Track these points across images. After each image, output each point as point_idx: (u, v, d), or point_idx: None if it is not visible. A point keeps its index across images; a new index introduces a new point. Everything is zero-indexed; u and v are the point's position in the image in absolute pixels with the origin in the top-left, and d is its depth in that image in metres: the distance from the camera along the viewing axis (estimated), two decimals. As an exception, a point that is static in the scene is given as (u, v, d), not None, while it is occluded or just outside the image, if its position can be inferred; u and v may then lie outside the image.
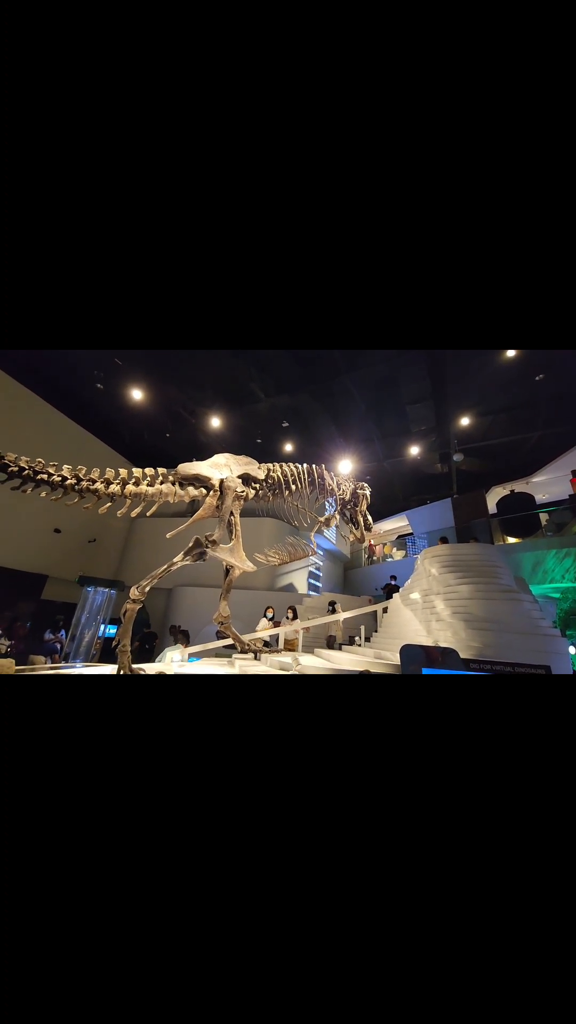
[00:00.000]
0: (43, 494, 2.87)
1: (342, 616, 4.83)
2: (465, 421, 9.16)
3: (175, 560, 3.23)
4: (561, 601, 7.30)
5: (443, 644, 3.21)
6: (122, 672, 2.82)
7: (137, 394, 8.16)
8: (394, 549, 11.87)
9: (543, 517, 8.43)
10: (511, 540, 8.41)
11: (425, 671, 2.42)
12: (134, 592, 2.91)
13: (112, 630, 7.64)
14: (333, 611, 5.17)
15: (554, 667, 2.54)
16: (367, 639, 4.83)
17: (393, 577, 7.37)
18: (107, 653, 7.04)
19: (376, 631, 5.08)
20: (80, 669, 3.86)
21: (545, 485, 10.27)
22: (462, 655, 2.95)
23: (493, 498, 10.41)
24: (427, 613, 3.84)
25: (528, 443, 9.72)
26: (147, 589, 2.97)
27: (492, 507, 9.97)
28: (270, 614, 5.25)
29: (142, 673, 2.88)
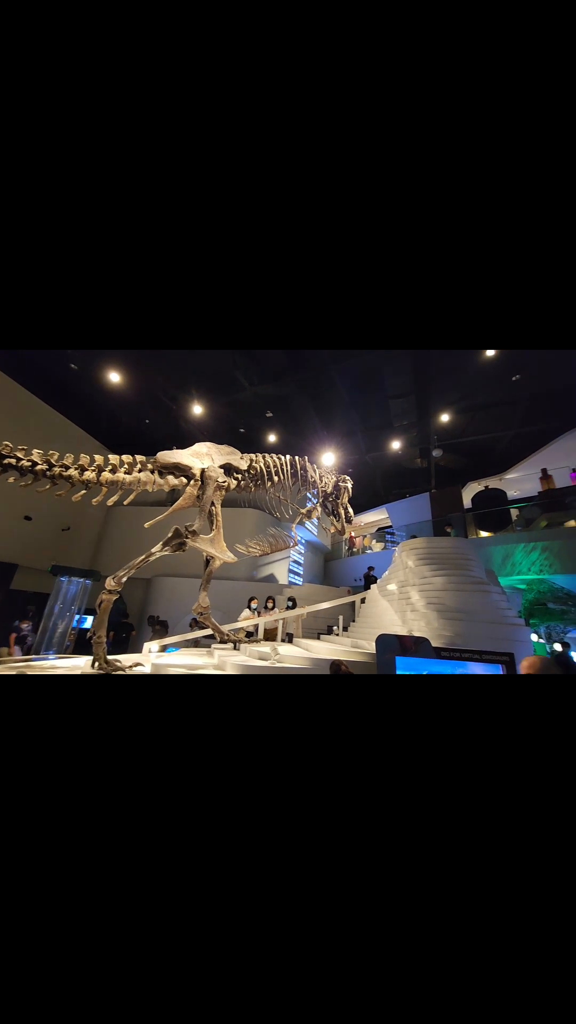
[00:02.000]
0: (11, 479, 2.72)
1: (305, 611, 4.92)
2: (445, 417, 9.39)
3: (154, 550, 3.17)
4: (526, 592, 7.74)
5: (417, 633, 3.35)
6: (96, 664, 2.77)
7: (115, 377, 7.80)
8: (373, 541, 12.13)
9: (514, 513, 8.84)
10: (484, 534, 8.79)
11: (399, 659, 2.52)
12: (110, 583, 2.84)
13: (87, 621, 7.44)
14: (293, 607, 5.25)
15: (517, 654, 2.70)
16: (345, 629, 4.96)
17: (371, 568, 7.55)
18: (81, 644, 6.86)
19: (354, 621, 5.22)
20: (53, 661, 3.76)
21: (517, 482, 10.74)
22: (435, 644, 3.09)
23: (469, 493, 10.80)
24: (403, 604, 3.98)
25: (503, 441, 10.10)
26: (124, 580, 2.90)
27: (468, 502, 10.34)
28: (254, 604, 5.28)
29: (117, 664, 2.83)
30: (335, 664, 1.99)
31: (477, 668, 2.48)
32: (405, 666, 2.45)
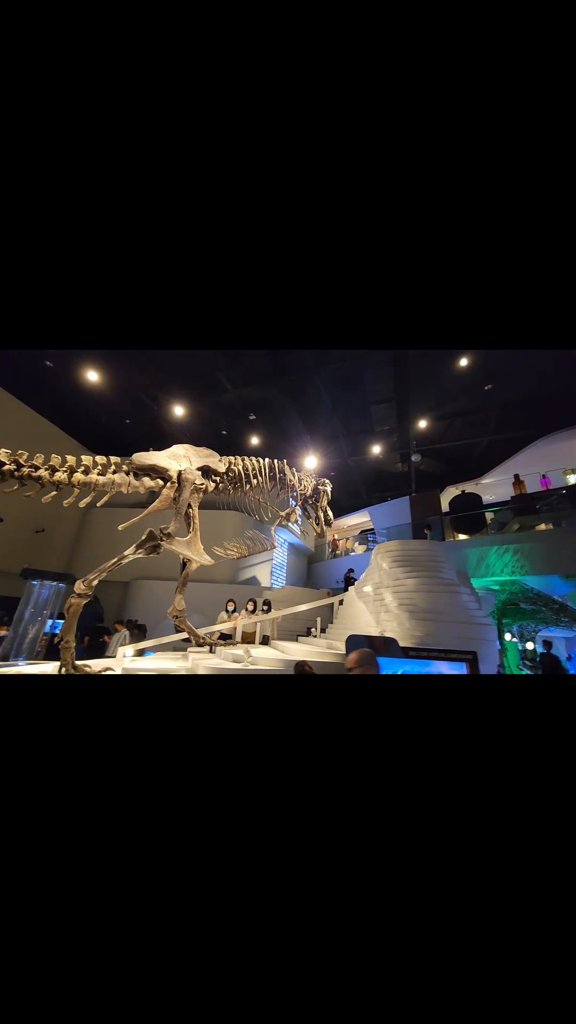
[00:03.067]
0: (-25, 480, 2.64)
1: (281, 613, 4.97)
2: (424, 424, 9.66)
3: (126, 553, 3.13)
4: (499, 593, 8.04)
5: (389, 634, 3.43)
6: (64, 669, 2.71)
7: (93, 376, 7.64)
8: (356, 543, 12.31)
9: (489, 516, 9.17)
10: (461, 537, 9.07)
11: (368, 659, 2.58)
12: (80, 586, 2.79)
13: (61, 626, 7.21)
14: (268, 611, 5.29)
15: (481, 653, 2.81)
16: (323, 630, 5.02)
17: (351, 570, 7.67)
18: (53, 650, 6.65)
19: (332, 622, 5.29)
20: (23, 667, 3.63)
21: (492, 487, 11.16)
22: (406, 643, 3.18)
23: (447, 497, 11.13)
24: (377, 605, 4.07)
25: (479, 447, 10.48)
26: (95, 583, 2.85)
27: (446, 506, 10.65)
28: (231, 607, 5.26)
29: (86, 670, 2.78)
30: (299, 665, 2.03)
31: (442, 667, 2.58)
32: (374, 666, 2.52)
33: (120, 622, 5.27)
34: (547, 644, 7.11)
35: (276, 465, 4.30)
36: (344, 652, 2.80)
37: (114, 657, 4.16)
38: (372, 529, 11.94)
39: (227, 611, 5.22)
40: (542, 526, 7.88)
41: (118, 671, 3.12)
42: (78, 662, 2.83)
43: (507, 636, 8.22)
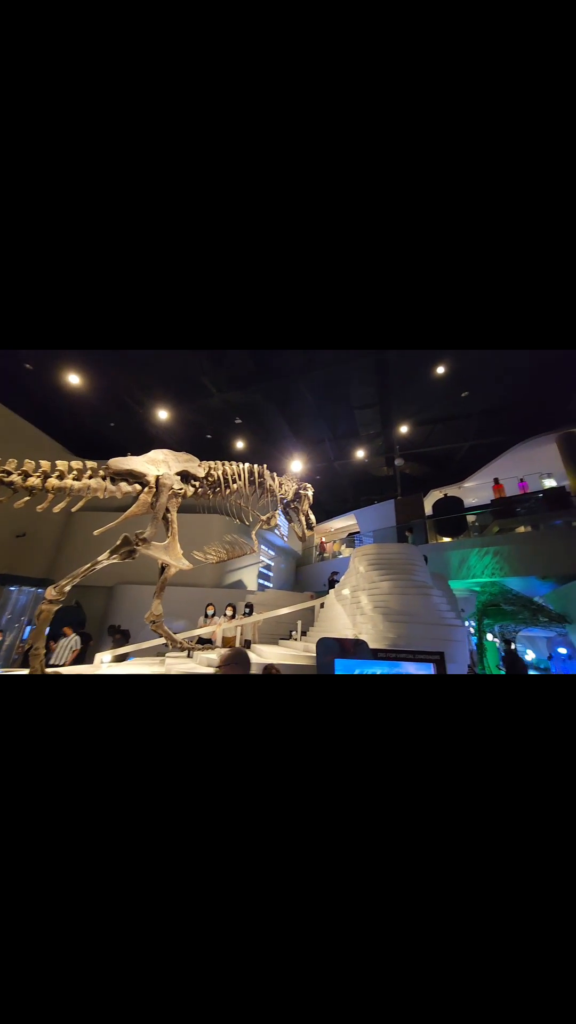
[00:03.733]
0: (-57, 485, 2.61)
1: (261, 617, 5.01)
2: (406, 429, 9.87)
3: (100, 558, 3.13)
4: (480, 594, 8.22)
5: (364, 636, 3.50)
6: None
7: (74, 379, 7.57)
8: (343, 546, 12.42)
9: (470, 519, 9.39)
10: (444, 539, 9.26)
11: (338, 661, 2.64)
12: (51, 592, 2.78)
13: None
14: (249, 614, 5.32)
15: (451, 653, 2.90)
16: (304, 633, 5.06)
17: (334, 573, 7.74)
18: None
19: (313, 626, 5.34)
20: (-4, 675, 3.57)
21: (474, 490, 11.43)
22: (379, 646, 3.25)
23: (431, 500, 11.36)
24: (354, 608, 4.14)
25: (460, 452, 10.74)
26: (67, 589, 2.84)
27: (429, 509, 10.87)
28: (210, 611, 5.26)
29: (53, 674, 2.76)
30: (267, 667, 2.08)
31: (411, 667, 2.65)
32: (344, 667, 2.58)
33: (70, 625, 5.13)
34: (507, 643, 7.31)
35: (256, 470, 4.35)
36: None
37: (63, 664, 4.11)
38: (359, 532, 12.08)
39: (206, 615, 5.22)
40: (521, 528, 8.12)
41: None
42: (48, 669, 2.81)
43: (488, 636, 8.40)
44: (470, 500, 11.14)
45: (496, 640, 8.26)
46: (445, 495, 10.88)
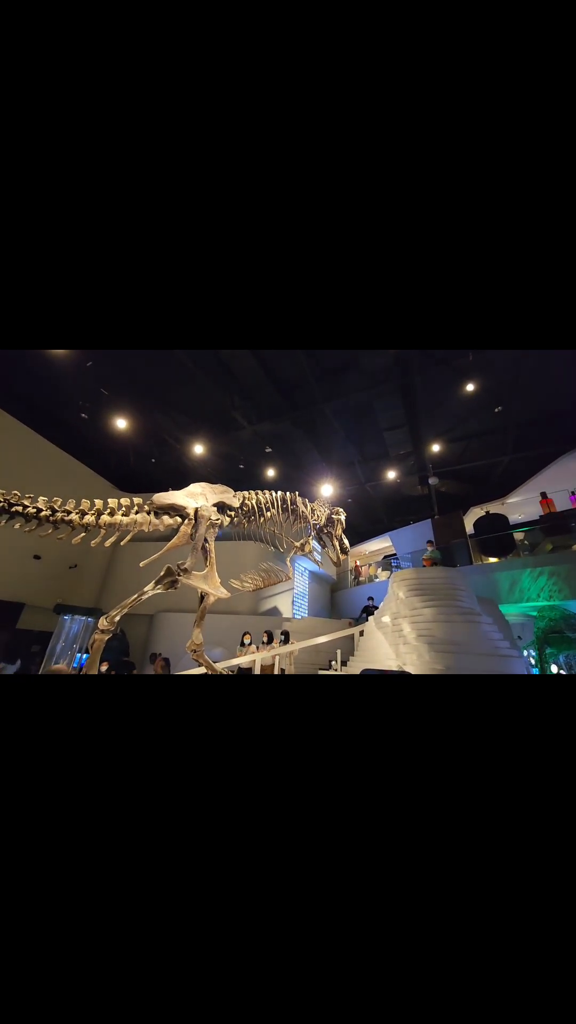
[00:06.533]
0: (17, 525, 2.95)
1: (297, 646, 4.86)
2: (438, 447, 9.64)
3: (146, 589, 3.30)
4: (538, 620, 7.45)
5: (409, 667, 3.30)
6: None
7: (122, 423, 8.39)
8: (379, 570, 11.99)
9: (518, 537, 8.73)
10: (490, 560, 8.65)
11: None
12: (103, 622, 2.96)
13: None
14: (286, 642, 5.18)
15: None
16: (344, 663, 4.86)
17: (371, 599, 7.44)
18: (83, 684, 6.80)
19: (353, 655, 5.12)
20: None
21: (519, 506, 10.70)
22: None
23: (472, 519, 10.77)
24: (396, 636, 3.94)
25: (499, 467, 10.21)
26: (117, 619, 3.02)
27: (470, 528, 10.29)
28: (247, 640, 5.26)
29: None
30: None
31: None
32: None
33: (107, 660, 5.22)
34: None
35: (288, 497, 4.45)
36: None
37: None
38: (395, 554, 11.65)
39: (242, 644, 5.21)
40: (577, 546, 7.39)
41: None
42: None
43: (553, 668, 7.49)
44: (515, 516, 10.41)
45: (562, 672, 7.35)
46: (487, 512, 10.27)
